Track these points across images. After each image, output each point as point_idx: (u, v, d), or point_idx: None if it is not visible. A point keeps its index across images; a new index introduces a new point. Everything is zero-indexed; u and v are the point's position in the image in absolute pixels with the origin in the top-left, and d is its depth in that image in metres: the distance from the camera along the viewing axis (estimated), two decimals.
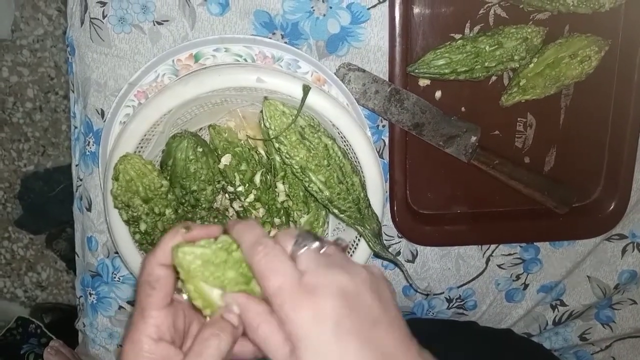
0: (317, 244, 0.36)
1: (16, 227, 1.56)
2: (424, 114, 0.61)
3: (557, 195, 0.65)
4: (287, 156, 0.54)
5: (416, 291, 0.69)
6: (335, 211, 0.57)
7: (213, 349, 0.36)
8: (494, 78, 0.63)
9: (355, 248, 0.62)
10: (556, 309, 0.73)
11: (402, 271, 0.61)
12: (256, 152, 0.60)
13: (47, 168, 1.53)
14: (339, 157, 0.55)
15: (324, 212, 0.63)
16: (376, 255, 0.61)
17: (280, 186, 0.60)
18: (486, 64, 0.60)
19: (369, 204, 0.58)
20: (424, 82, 0.63)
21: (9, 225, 1.57)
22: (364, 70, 0.60)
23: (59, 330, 1.26)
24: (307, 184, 0.56)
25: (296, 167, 0.55)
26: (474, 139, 0.62)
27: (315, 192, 0.56)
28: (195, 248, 0.37)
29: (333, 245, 0.38)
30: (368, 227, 0.58)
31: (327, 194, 0.56)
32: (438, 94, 0.63)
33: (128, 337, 0.37)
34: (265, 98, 0.54)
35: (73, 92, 0.66)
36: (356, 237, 0.62)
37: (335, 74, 0.60)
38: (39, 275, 1.60)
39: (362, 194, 0.57)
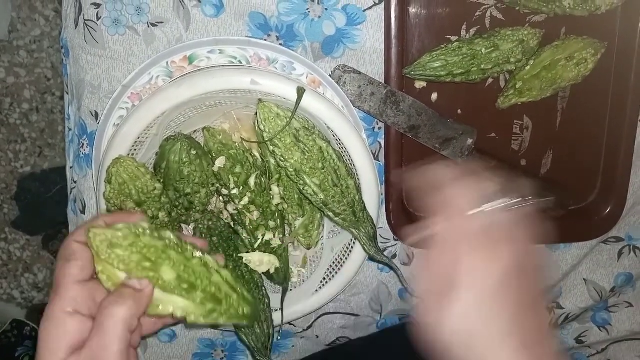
0: (507, 201, 0.39)
1: (13, 228, 1.56)
2: (419, 116, 0.61)
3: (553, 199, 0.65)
4: (282, 159, 0.54)
5: (412, 295, 0.69)
6: (330, 214, 0.57)
7: (116, 318, 0.36)
8: (490, 80, 0.63)
9: (350, 251, 0.61)
10: (552, 312, 0.73)
11: (397, 275, 0.60)
12: (251, 154, 0.59)
13: (43, 169, 1.52)
14: (333, 160, 0.55)
15: (319, 215, 0.63)
16: (371, 258, 0.61)
17: (275, 189, 0.60)
18: (482, 66, 0.60)
19: (364, 207, 0.58)
20: (420, 84, 0.62)
21: (5, 227, 1.57)
22: (359, 73, 0.60)
23: None
24: (301, 187, 0.56)
25: (290, 170, 0.54)
26: (470, 141, 0.62)
27: (310, 195, 0.56)
28: (106, 230, 0.38)
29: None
30: (363, 230, 0.57)
31: (322, 197, 0.55)
32: (434, 96, 0.63)
33: (44, 314, 0.38)
34: (260, 100, 0.54)
35: (68, 94, 0.66)
36: (351, 240, 0.61)
37: (330, 76, 0.60)
38: (35, 276, 1.60)
39: (357, 197, 0.57)
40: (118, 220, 0.40)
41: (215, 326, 0.64)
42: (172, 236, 0.41)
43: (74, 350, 0.37)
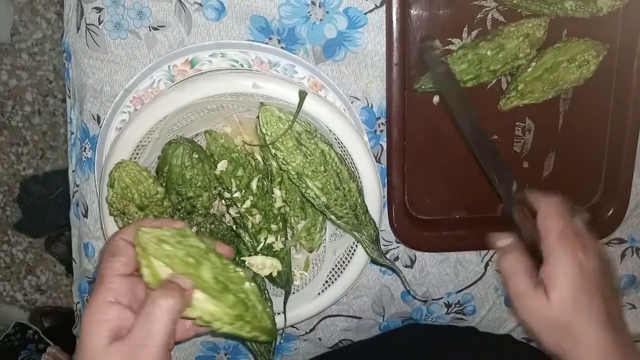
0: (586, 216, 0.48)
1: (15, 231, 1.56)
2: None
3: None
4: (284, 162, 0.54)
5: (414, 297, 0.69)
6: (332, 217, 0.57)
7: (164, 309, 0.39)
8: (492, 82, 0.63)
9: (352, 254, 0.61)
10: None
11: (400, 277, 0.60)
12: (253, 157, 0.59)
13: (46, 171, 1.52)
14: (335, 163, 0.55)
15: (321, 218, 0.63)
16: (373, 261, 0.61)
17: (277, 192, 0.60)
18: (491, 67, 0.60)
19: (366, 210, 0.58)
20: (419, 86, 0.62)
21: (8, 229, 1.57)
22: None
23: (58, 335, 1.26)
24: (303, 190, 0.56)
25: (292, 173, 0.54)
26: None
27: (312, 198, 0.56)
28: (154, 229, 0.42)
29: None
30: (365, 234, 0.57)
31: (324, 200, 0.55)
32: (436, 99, 0.63)
33: (87, 304, 0.40)
34: (262, 104, 0.54)
35: (70, 97, 0.66)
36: (353, 243, 0.61)
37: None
38: (38, 278, 1.60)
39: (359, 200, 0.57)
40: (164, 224, 0.44)
41: (229, 336, 0.65)
42: (212, 243, 0.44)
43: (115, 337, 0.39)
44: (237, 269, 0.44)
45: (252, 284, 0.45)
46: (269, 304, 0.61)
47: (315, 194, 0.55)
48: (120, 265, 0.41)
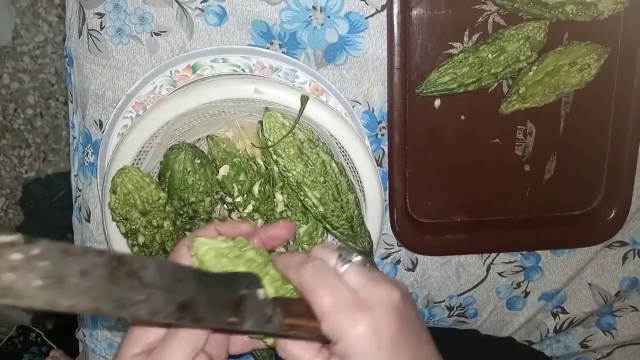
0: (359, 258, 0.37)
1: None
2: (181, 283, 0.37)
3: None
4: (284, 169, 0.54)
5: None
6: (328, 227, 0.57)
7: (182, 332, 0.36)
8: (494, 85, 0.63)
9: None
10: (557, 317, 0.73)
11: None
12: (254, 162, 0.60)
13: (48, 174, 1.53)
14: (335, 174, 0.55)
15: None
16: None
17: (279, 196, 0.60)
18: (492, 70, 0.60)
19: (362, 222, 0.58)
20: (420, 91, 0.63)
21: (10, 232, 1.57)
22: None
23: (60, 338, 1.26)
24: (302, 198, 0.56)
25: (292, 180, 0.54)
26: (261, 292, 0.42)
27: (309, 207, 0.56)
28: (211, 240, 0.39)
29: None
30: (360, 245, 0.57)
31: (322, 210, 0.56)
32: (437, 102, 0.63)
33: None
34: (266, 109, 0.54)
35: (72, 102, 0.66)
36: None
37: None
38: None
39: (355, 212, 0.57)
40: (229, 230, 0.42)
41: None
42: (269, 255, 0.41)
43: (148, 351, 0.38)
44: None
45: None
46: None
47: (313, 203, 0.56)
48: None
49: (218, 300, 0.34)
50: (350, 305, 0.34)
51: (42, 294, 0.25)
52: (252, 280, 0.37)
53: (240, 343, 0.44)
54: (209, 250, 0.38)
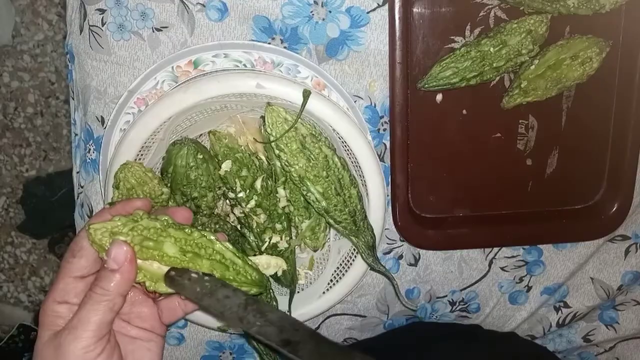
0: None
1: (19, 232, 1.57)
2: (296, 331, 0.39)
3: None
4: (287, 164, 0.54)
5: (405, 306, 0.69)
6: (331, 221, 0.57)
7: (97, 297, 0.39)
8: (497, 79, 0.63)
9: (357, 253, 0.62)
10: (560, 311, 0.73)
11: (393, 285, 0.60)
12: (257, 157, 0.60)
13: (48, 173, 1.53)
14: (338, 169, 0.55)
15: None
16: (369, 267, 0.61)
17: (281, 192, 0.60)
18: (494, 64, 0.60)
19: (365, 216, 0.58)
20: (420, 85, 0.62)
21: (11, 230, 1.57)
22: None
23: None
24: (304, 193, 0.56)
25: (295, 175, 0.54)
26: None
27: (312, 201, 0.56)
28: (105, 222, 0.40)
29: None
30: (362, 239, 0.57)
31: (324, 204, 0.56)
32: (439, 97, 0.63)
33: (42, 304, 0.41)
34: (269, 104, 0.54)
35: (73, 99, 0.66)
36: (353, 250, 0.61)
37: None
38: (42, 279, 1.60)
39: (358, 206, 0.57)
40: (120, 210, 0.43)
41: (223, 330, 0.65)
42: (168, 218, 0.43)
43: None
44: (203, 234, 0.43)
45: (224, 243, 0.44)
46: (268, 296, 0.61)
47: (316, 198, 0.56)
48: (77, 268, 0.41)
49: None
50: None
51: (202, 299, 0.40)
52: None
53: (168, 311, 0.46)
54: (104, 233, 0.40)
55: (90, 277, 0.41)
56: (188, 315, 0.48)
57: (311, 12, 0.59)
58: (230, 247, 0.44)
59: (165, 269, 0.41)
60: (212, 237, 0.43)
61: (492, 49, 0.59)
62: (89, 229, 0.40)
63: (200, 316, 0.62)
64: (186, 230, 0.42)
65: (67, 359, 0.38)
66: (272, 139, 0.54)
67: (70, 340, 0.38)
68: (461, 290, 0.71)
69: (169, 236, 0.41)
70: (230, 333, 0.70)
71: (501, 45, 0.59)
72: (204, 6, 0.59)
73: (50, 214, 1.50)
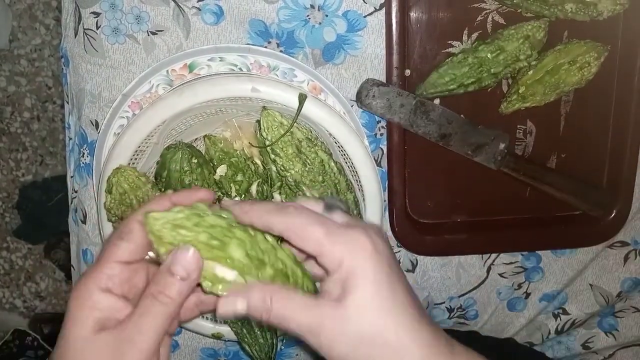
0: (344, 207, 0.38)
1: (14, 237, 1.56)
2: (450, 124, 0.60)
3: (591, 198, 0.64)
4: (282, 168, 0.54)
5: None
6: None
7: (159, 306, 0.35)
8: (495, 85, 0.62)
9: None
10: (558, 318, 0.72)
11: None
12: (252, 162, 0.59)
13: (45, 177, 1.52)
14: (334, 174, 0.55)
15: None
16: None
17: (277, 197, 0.59)
18: (492, 70, 0.59)
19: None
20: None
21: (7, 235, 1.56)
22: (387, 85, 0.59)
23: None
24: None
25: (290, 180, 0.54)
26: (502, 146, 0.61)
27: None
28: (165, 213, 0.36)
29: None
30: None
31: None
32: (436, 102, 0.62)
33: (77, 286, 0.36)
34: (264, 108, 0.53)
35: (68, 103, 0.65)
36: None
37: (358, 91, 0.59)
38: (37, 285, 1.59)
39: (355, 212, 0.56)
40: (183, 199, 0.39)
41: (218, 337, 0.64)
42: (231, 215, 0.38)
43: (102, 327, 0.35)
44: (266, 237, 0.38)
45: (285, 249, 0.39)
46: None
47: None
48: (124, 253, 0.36)
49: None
50: (345, 228, 0.35)
51: None
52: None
53: (187, 311, 0.42)
54: (165, 224, 0.36)
55: (135, 265, 0.37)
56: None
57: (307, 16, 0.59)
58: (291, 253, 0.40)
59: (224, 270, 0.37)
60: (275, 242, 0.39)
61: (489, 55, 0.59)
62: (147, 218, 0.35)
63: (195, 323, 0.61)
64: (250, 231, 0.38)
65: None
66: (267, 143, 0.53)
67: (133, 353, 0.34)
68: (459, 296, 0.70)
69: (235, 237, 0.37)
70: (225, 340, 0.69)
71: (499, 51, 0.59)
72: (200, 10, 0.59)
73: (47, 219, 1.50)
